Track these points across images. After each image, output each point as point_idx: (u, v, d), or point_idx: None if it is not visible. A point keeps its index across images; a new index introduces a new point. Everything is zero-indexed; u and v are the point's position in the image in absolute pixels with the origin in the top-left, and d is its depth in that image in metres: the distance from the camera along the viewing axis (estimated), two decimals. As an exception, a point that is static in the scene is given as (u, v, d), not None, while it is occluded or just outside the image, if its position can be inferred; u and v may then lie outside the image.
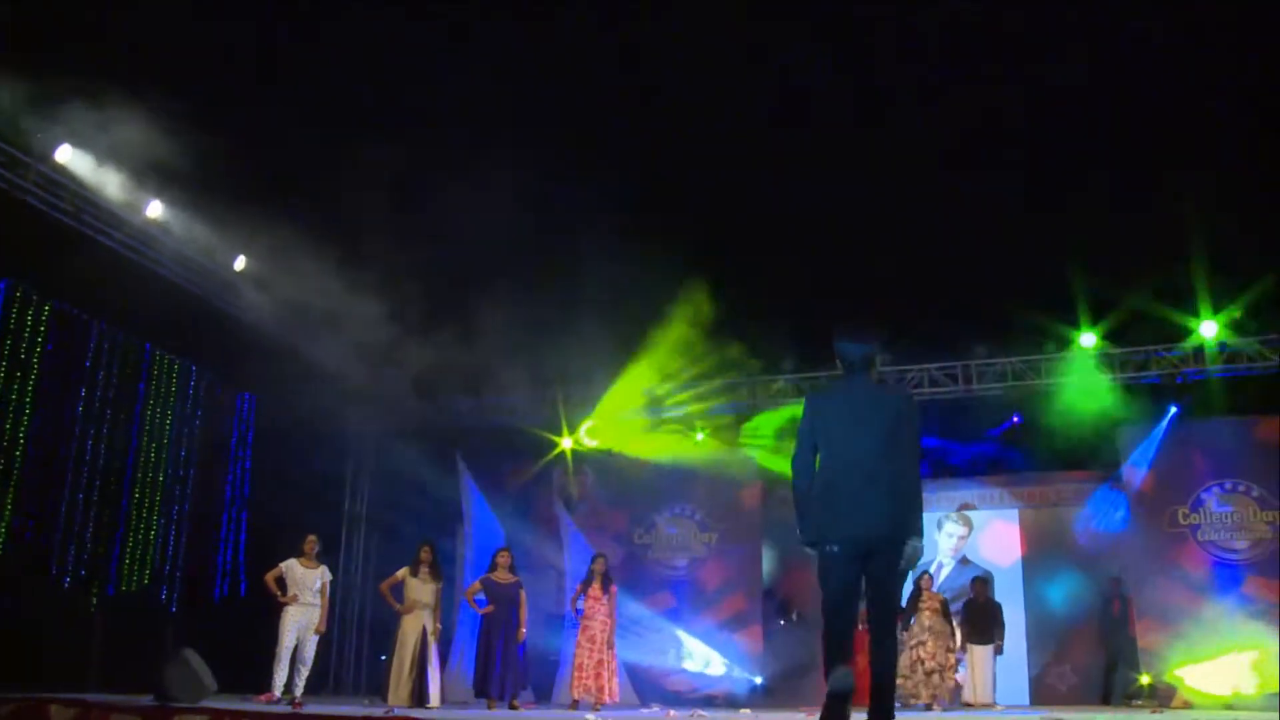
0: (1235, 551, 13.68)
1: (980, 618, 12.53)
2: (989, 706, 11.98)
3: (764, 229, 13.84)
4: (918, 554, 4.50)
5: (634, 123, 13.09)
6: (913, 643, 11.63)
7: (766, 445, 15.53)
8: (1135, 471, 14.22)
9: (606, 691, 10.88)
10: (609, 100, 12.83)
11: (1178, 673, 13.02)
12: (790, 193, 13.63)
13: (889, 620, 4.70)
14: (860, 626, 4.72)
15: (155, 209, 11.89)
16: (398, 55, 12.07)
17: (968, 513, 15.68)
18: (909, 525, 4.52)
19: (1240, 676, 12.63)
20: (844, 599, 4.60)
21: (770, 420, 15.48)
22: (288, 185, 11.31)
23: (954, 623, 12.17)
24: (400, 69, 12.16)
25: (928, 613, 11.76)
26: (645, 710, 11.58)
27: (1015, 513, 15.47)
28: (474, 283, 12.48)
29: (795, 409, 14.75)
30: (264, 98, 11.07)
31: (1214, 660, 12.95)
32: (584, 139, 13.02)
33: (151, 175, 11.44)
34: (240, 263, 13.05)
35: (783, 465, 15.38)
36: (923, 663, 11.53)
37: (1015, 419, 14.78)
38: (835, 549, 4.61)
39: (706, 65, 12.53)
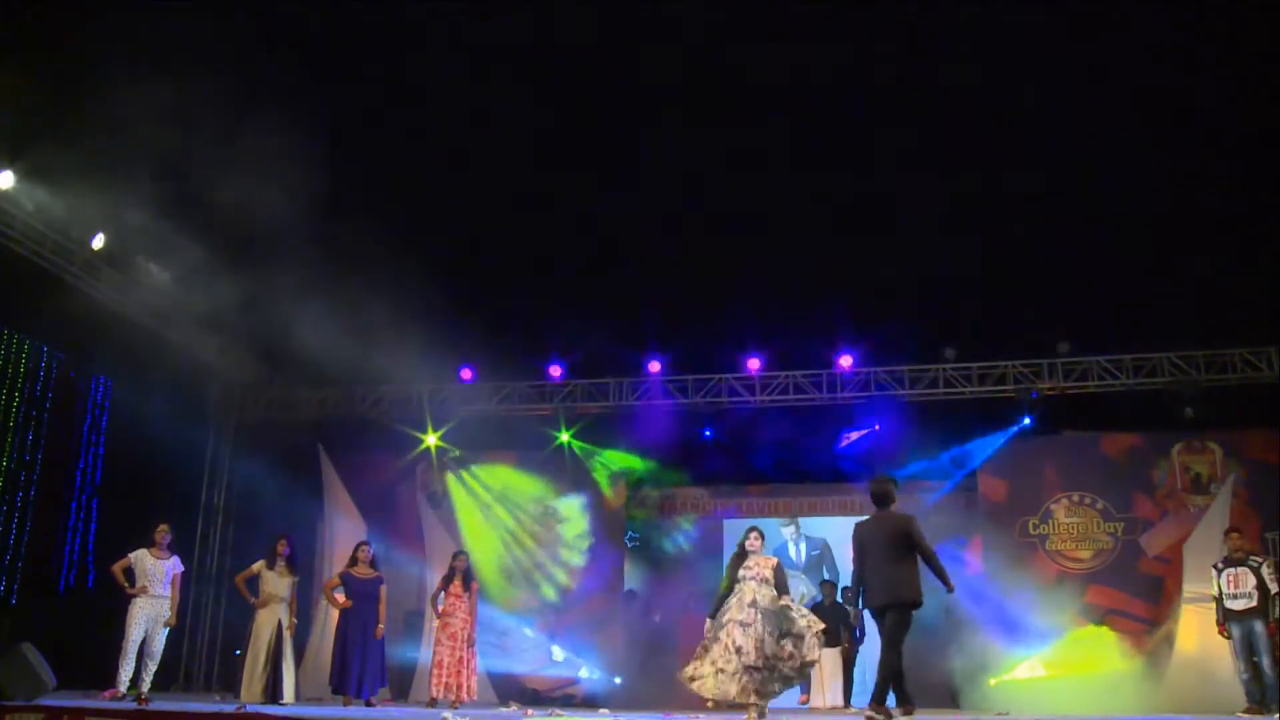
0: (1080, 561, 14.29)
1: (827, 621, 12.70)
2: (838, 709, 12.21)
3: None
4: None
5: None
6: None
7: (626, 445, 15.68)
8: (986, 481, 14.75)
9: (465, 690, 10.81)
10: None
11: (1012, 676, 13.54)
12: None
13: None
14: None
15: (6, 179, 11.37)
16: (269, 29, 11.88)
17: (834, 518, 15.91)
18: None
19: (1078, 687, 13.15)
20: None
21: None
22: (151, 163, 10.94)
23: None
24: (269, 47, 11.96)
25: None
26: (504, 709, 11.54)
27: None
28: (341, 269, 12.29)
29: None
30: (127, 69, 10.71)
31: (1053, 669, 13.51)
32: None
33: (2, 143, 10.97)
34: (99, 241, 12.59)
35: (629, 462, 15.78)
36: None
37: (875, 426, 15.14)
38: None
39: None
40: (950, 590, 7.78)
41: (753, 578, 8.33)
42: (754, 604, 8.14)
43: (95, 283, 12.91)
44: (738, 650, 7.97)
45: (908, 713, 7.68)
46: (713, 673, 8.01)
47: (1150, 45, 11.90)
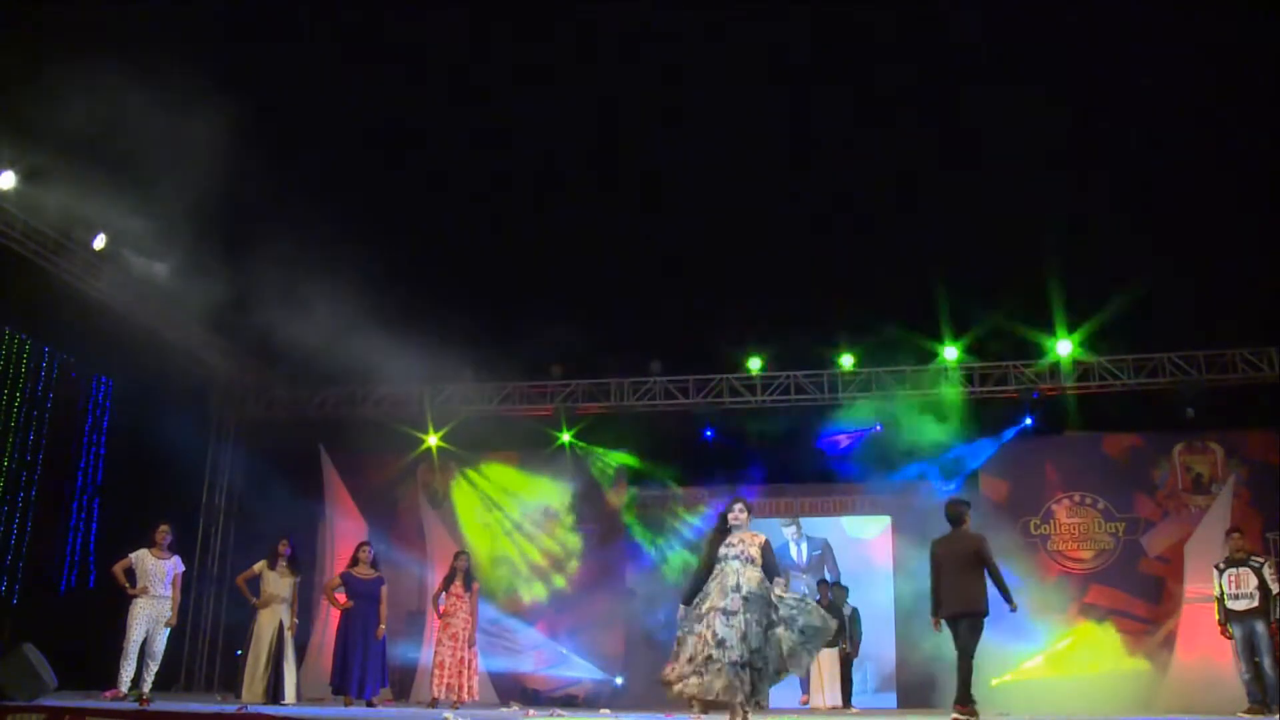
0: (1081, 561, 14.29)
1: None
2: (838, 709, 12.21)
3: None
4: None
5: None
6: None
7: (627, 445, 15.68)
8: (988, 481, 14.74)
9: (466, 690, 10.80)
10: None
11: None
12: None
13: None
14: None
15: (6, 179, 11.36)
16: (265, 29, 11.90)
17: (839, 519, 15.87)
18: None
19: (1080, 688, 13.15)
20: None
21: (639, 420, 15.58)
22: (151, 163, 10.94)
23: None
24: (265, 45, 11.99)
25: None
26: (505, 710, 11.53)
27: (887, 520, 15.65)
28: (342, 269, 12.30)
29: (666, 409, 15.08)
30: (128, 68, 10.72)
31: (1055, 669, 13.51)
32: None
33: (3, 144, 10.96)
34: (100, 241, 12.58)
35: (629, 462, 15.74)
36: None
37: (877, 427, 15.12)
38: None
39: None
40: (1013, 609, 8.68)
41: (736, 556, 7.05)
42: (738, 588, 6.90)
43: (96, 283, 12.90)
44: (720, 643, 6.74)
45: (970, 714, 8.35)
46: (693, 671, 6.79)
47: (1149, 44, 11.91)
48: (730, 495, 7.90)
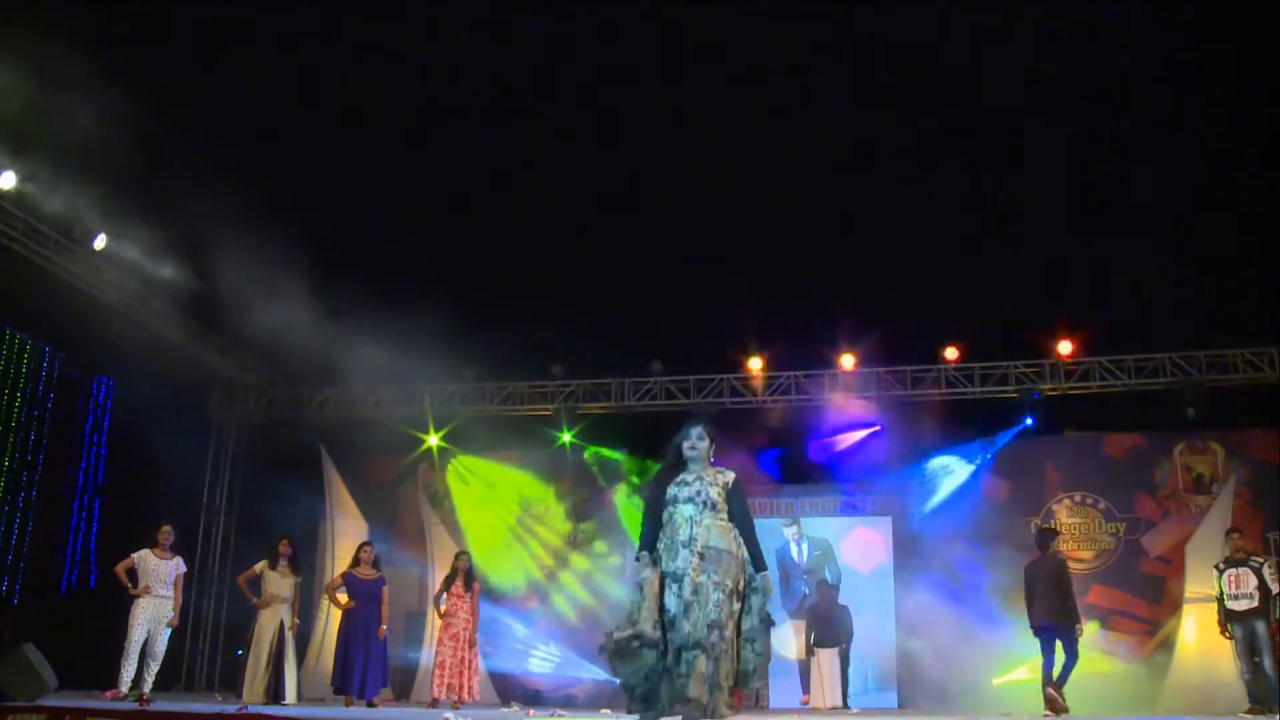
0: (1082, 562, 14.28)
1: (824, 621, 12.74)
2: (838, 709, 12.22)
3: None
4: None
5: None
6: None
7: (627, 446, 15.67)
8: (988, 481, 14.74)
9: (467, 690, 10.80)
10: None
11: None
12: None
13: None
14: None
15: (6, 179, 11.36)
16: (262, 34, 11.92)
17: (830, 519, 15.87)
18: None
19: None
20: None
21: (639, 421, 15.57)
22: (154, 162, 10.95)
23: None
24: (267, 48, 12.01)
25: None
26: (506, 710, 11.53)
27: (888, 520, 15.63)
28: (343, 272, 12.33)
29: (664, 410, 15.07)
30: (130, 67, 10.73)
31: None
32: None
33: (3, 143, 10.96)
34: (101, 241, 12.57)
35: (630, 462, 15.68)
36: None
37: (877, 426, 15.12)
38: None
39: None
40: (1077, 627, 9.77)
41: (690, 499, 5.22)
42: (690, 542, 5.10)
43: (96, 283, 12.90)
44: (671, 624, 4.99)
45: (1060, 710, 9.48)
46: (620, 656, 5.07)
47: (1149, 43, 11.92)
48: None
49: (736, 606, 5.06)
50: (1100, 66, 12.58)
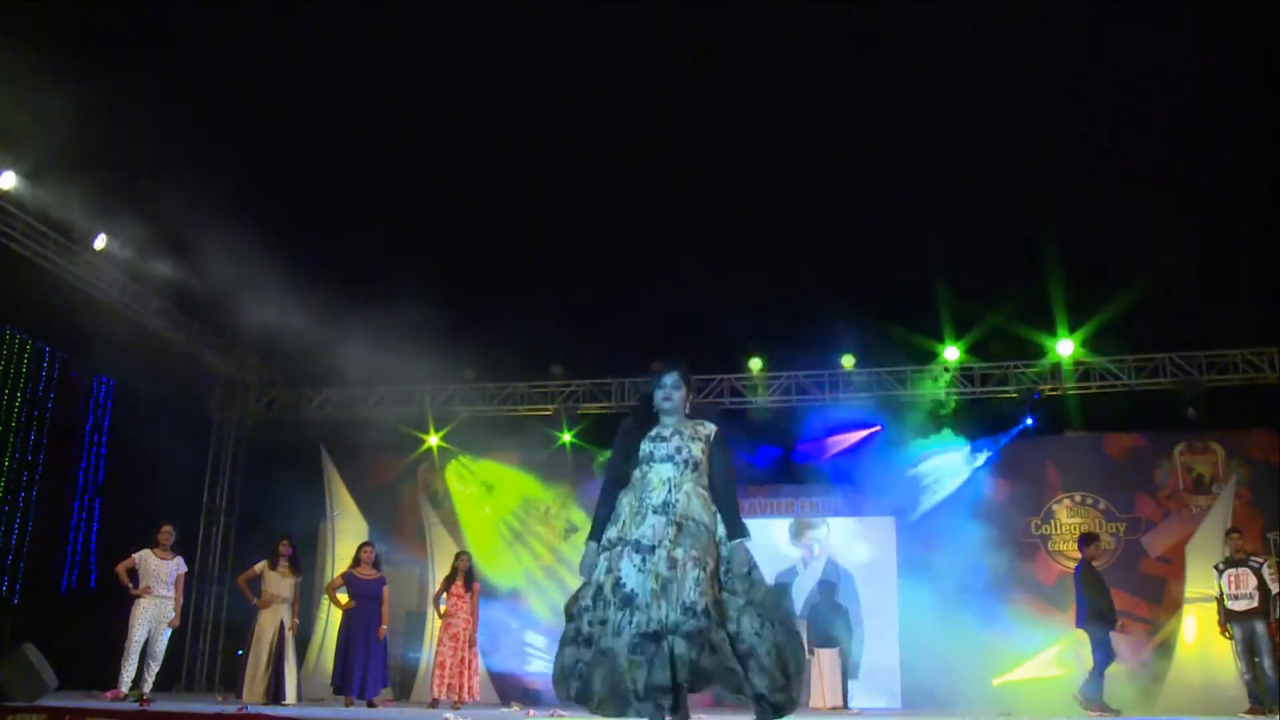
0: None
1: (825, 621, 12.72)
2: (838, 709, 12.21)
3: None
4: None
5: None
6: None
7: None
8: (988, 481, 14.74)
9: (467, 690, 10.80)
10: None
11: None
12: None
13: None
14: None
15: (6, 179, 11.36)
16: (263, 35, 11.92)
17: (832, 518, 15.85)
18: None
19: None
20: None
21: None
22: (153, 162, 10.96)
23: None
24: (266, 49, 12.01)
25: None
26: (506, 710, 11.53)
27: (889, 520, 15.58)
28: (345, 270, 12.33)
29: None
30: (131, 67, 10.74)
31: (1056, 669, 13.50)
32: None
33: (3, 143, 10.96)
34: (101, 241, 12.58)
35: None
36: None
37: (878, 426, 15.11)
38: None
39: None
40: (1094, 630, 10.33)
41: (668, 458, 4.40)
42: (665, 508, 4.27)
43: (96, 283, 12.90)
44: (625, 599, 4.11)
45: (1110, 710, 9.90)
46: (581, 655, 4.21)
47: (1149, 41, 11.91)
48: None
49: (716, 596, 4.18)
50: (1101, 63, 12.58)
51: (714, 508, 4.38)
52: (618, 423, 4.69)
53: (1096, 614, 10.26)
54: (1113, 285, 13.53)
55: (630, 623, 4.08)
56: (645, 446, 4.48)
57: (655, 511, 4.27)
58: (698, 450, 4.43)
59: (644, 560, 4.16)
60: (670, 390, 4.55)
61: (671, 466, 4.39)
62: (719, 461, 4.49)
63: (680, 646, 4.02)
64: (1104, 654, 10.12)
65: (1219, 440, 14.25)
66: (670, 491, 4.32)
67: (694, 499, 4.33)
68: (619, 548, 4.25)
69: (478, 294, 14.38)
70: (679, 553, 4.15)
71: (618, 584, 4.16)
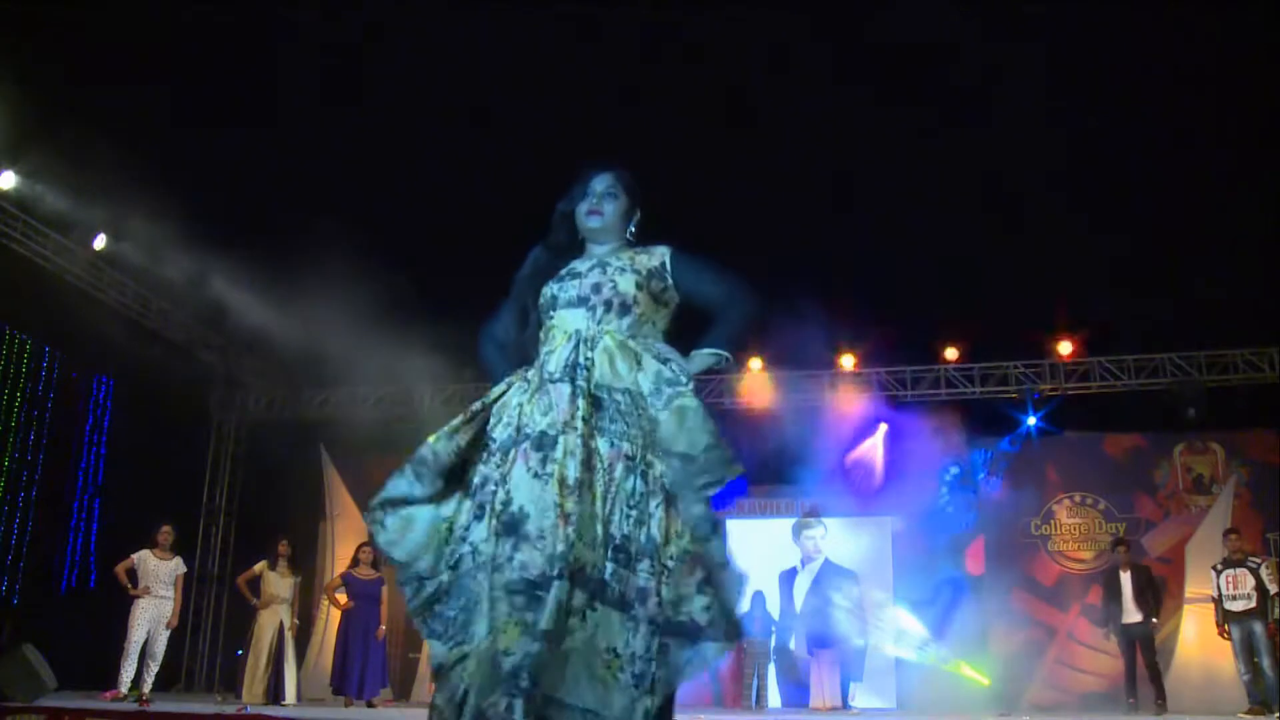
0: (1082, 562, 14.27)
1: (824, 621, 12.64)
2: (837, 709, 12.19)
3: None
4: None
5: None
6: None
7: None
8: (989, 481, 14.73)
9: (467, 690, 10.77)
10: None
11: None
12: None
13: None
14: None
15: (6, 179, 11.36)
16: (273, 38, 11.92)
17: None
18: None
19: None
20: None
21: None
22: (152, 163, 10.96)
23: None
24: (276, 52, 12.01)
25: None
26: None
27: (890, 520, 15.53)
28: (345, 269, 12.32)
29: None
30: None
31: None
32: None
33: (3, 143, 10.97)
34: (100, 241, 12.58)
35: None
36: None
37: (881, 425, 15.10)
38: None
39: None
40: (1108, 632, 11.29)
41: (578, 301, 3.10)
42: (571, 372, 2.95)
43: (96, 283, 12.91)
44: (509, 523, 2.76)
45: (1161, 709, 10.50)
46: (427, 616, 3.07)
47: (1149, 42, 11.93)
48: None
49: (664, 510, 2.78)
50: (1102, 64, 12.58)
51: (662, 368, 3.01)
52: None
53: (1106, 613, 11.34)
54: (1112, 285, 13.55)
55: (511, 560, 2.65)
56: (548, 291, 3.07)
57: (555, 381, 2.87)
58: (628, 283, 2.99)
59: (544, 460, 2.75)
60: (600, 201, 3.16)
61: (582, 314, 2.97)
62: (689, 278, 3.21)
63: (584, 593, 2.63)
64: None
65: (1219, 440, 14.24)
66: (578, 350, 2.90)
67: (618, 359, 2.91)
68: (516, 451, 2.82)
69: (478, 294, 14.35)
70: (601, 444, 2.77)
71: (503, 500, 2.75)
